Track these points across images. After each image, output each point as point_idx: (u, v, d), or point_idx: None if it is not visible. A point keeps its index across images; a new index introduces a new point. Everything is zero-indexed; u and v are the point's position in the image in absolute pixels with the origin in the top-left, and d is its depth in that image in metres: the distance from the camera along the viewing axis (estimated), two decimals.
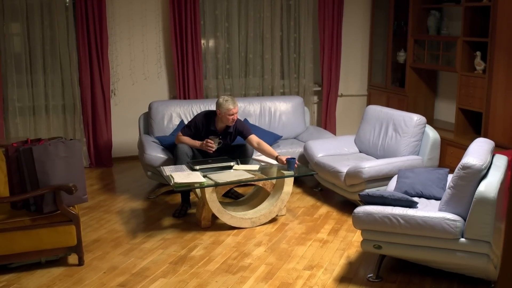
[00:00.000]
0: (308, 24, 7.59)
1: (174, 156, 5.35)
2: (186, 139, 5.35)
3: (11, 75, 6.43)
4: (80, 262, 4.16)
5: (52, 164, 3.97)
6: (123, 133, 6.98)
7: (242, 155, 5.41)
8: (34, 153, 3.91)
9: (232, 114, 5.23)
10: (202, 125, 5.36)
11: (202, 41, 7.19)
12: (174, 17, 6.84)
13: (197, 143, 5.28)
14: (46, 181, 3.94)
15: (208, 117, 5.37)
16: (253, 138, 5.37)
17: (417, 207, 3.98)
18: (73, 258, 4.25)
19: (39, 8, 6.45)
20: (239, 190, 5.82)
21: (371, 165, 5.05)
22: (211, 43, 7.34)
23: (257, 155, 5.80)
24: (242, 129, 5.42)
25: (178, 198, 5.71)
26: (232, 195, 5.69)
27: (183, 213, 5.27)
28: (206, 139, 5.22)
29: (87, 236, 4.73)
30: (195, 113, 6.39)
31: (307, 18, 7.56)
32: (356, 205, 5.14)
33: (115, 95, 6.99)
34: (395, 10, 7.43)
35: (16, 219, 3.91)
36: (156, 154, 5.57)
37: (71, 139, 4.19)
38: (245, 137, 5.41)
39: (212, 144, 5.18)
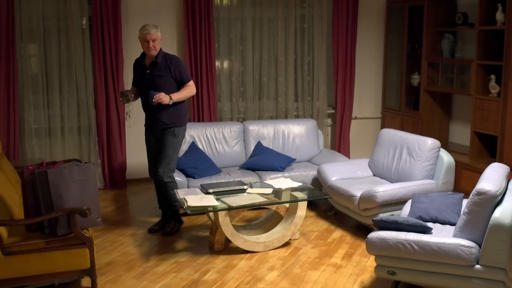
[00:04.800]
0: (322, 47, 7.62)
1: None
2: (132, 90, 5.37)
3: (28, 96, 6.52)
4: (93, 286, 4.15)
5: (67, 187, 4.00)
6: (138, 155, 7.01)
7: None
8: (49, 176, 3.94)
9: (147, 41, 5.06)
10: (135, 65, 5.37)
11: (217, 64, 7.24)
12: (188, 40, 6.91)
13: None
14: (60, 204, 3.96)
15: (142, 54, 5.30)
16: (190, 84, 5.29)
17: (432, 233, 3.95)
18: (86, 281, 4.26)
19: (56, 31, 6.55)
20: (252, 213, 5.81)
21: (385, 189, 5.02)
22: (226, 65, 7.39)
23: (270, 178, 5.82)
24: (179, 73, 5.20)
25: (192, 220, 5.72)
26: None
27: (157, 228, 5.43)
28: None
29: (100, 259, 4.74)
30: (209, 136, 6.43)
31: (321, 41, 7.60)
32: (370, 229, 5.11)
33: (130, 117, 7.04)
34: (409, 33, 7.44)
35: (30, 242, 3.92)
36: None
37: (85, 162, 4.21)
38: (182, 84, 5.26)
39: (121, 98, 5.21)
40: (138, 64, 5.30)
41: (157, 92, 5.02)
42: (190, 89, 5.27)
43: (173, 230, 5.37)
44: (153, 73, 5.15)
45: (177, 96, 5.16)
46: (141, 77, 5.25)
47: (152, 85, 5.12)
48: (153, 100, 4.99)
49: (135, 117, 7.03)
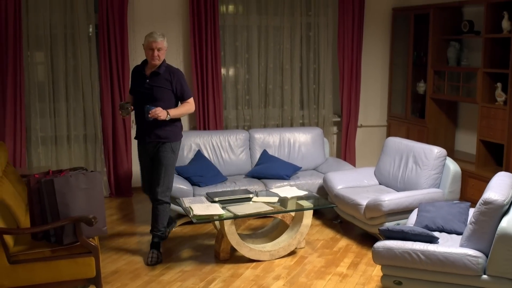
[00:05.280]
0: (327, 55, 7.62)
1: None
2: (128, 98, 5.09)
3: (34, 104, 6.54)
4: None
5: (73, 196, 4.00)
6: None
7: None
8: (55, 185, 3.95)
9: (152, 49, 4.74)
10: (134, 72, 5.03)
11: (222, 72, 7.25)
12: (194, 48, 6.93)
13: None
14: (66, 213, 3.96)
15: (143, 62, 4.98)
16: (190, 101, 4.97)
17: (438, 242, 3.94)
18: None
19: (62, 39, 6.58)
20: (258, 222, 5.80)
21: (391, 198, 5.01)
22: (231, 73, 7.41)
23: (276, 187, 5.81)
24: (180, 87, 4.88)
25: (197, 229, 5.71)
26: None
27: (156, 259, 4.85)
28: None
29: (106, 267, 4.74)
30: (215, 144, 6.43)
31: (326, 49, 7.60)
32: (376, 238, 5.09)
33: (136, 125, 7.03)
34: (415, 41, 7.44)
35: (36, 250, 3.92)
36: (175, 185, 5.58)
37: (91, 171, 4.22)
38: (181, 100, 4.95)
39: (120, 110, 4.86)
40: (138, 72, 4.97)
41: (153, 107, 4.67)
42: (189, 107, 4.94)
43: (159, 259, 4.88)
44: (152, 84, 4.81)
45: (175, 112, 4.83)
46: (138, 86, 4.89)
47: (149, 96, 4.79)
48: (149, 115, 4.65)
49: None
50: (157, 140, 4.88)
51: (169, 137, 4.89)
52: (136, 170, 7.00)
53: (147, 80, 4.82)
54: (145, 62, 4.94)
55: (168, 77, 4.83)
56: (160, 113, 4.68)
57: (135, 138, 5.09)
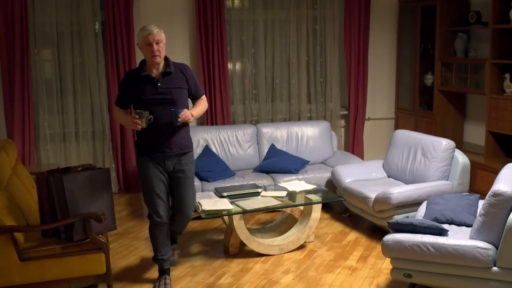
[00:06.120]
0: (334, 48, 7.60)
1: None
2: (118, 113, 4.29)
3: (42, 101, 6.56)
4: None
5: (82, 193, 4.01)
6: None
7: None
8: (64, 182, 3.96)
9: (150, 43, 4.05)
10: (129, 79, 4.19)
11: (229, 67, 7.24)
12: (201, 43, 6.92)
13: (126, 119, 4.19)
14: (76, 209, 3.98)
15: (140, 65, 4.22)
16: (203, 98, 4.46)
17: (448, 235, 3.92)
18: (102, 286, 4.27)
19: (69, 36, 6.59)
20: (267, 216, 5.80)
21: (400, 191, 5.00)
22: (238, 68, 7.40)
23: (284, 181, 5.81)
24: (194, 85, 4.31)
25: (206, 224, 5.73)
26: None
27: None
28: (132, 114, 4.09)
29: (116, 264, 4.76)
30: (223, 139, 6.43)
31: (333, 42, 7.58)
32: (385, 231, 5.09)
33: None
34: (422, 33, 7.40)
35: (46, 247, 3.94)
36: None
37: (100, 168, 4.23)
38: (196, 98, 4.39)
39: (137, 120, 4.01)
40: (137, 78, 4.15)
41: (181, 109, 4.08)
42: (205, 104, 4.43)
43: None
44: (168, 86, 4.13)
45: (197, 113, 4.29)
46: (148, 92, 4.11)
47: (167, 101, 4.11)
48: (179, 119, 4.06)
49: None
50: (180, 151, 4.23)
51: (190, 146, 4.34)
52: None
53: (159, 84, 4.12)
54: (141, 66, 4.20)
55: (181, 75, 4.23)
56: (189, 115, 4.11)
57: (143, 154, 4.24)
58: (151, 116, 4.04)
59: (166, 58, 4.21)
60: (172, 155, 4.19)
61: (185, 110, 4.10)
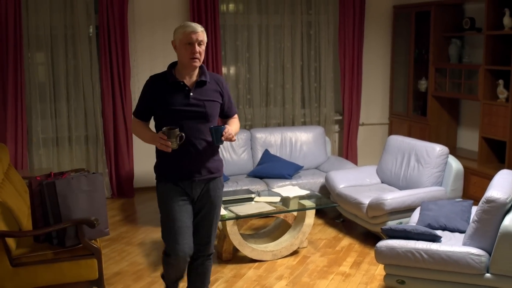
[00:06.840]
0: (328, 53, 7.61)
1: None
2: (138, 127, 3.60)
3: (35, 105, 6.53)
4: None
5: (75, 198, 3.99)
6: (145, 163, 7.00)
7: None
8: (57, 187, 3.94)
9: (192, 43, 3.39)
10: (154, 84, 3.52)
11: (223, 71, 7.24)
12: None
13: (151, 136, 3.45)
14: (68, 215, 3.96)
15: (168, 69, 3.58)
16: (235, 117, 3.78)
17: (441, 241, 3.93)
18: None
19: (63, 39, 6.58)
20: (260, 222, 5.79)
21: (393, 197, 5.00)
22: (232, 72, 7.39)
23: (278, 186, 5.80)
24: (228, 100, 3.64)
25: None
26: None
27: None
28: (159, 134, 3.32)
29: (108, 269, 4.74)
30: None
31: (327, 47, 7.59)
32: (378, 237, 5.09)
33: None
34: (416, 38, 7.42)
35: (38, 253, 3.91)
36: None
37: (93, 173, 4.21)
38: (228, 117, 3.72)
39: (166, 142, 3.28)
40: (167, 84, 3.49)
41: (223, 126, 3.42)
42: (239, 125, 3.74)
43: None
44: (202, 98, 3.47)
45: (235, 132, 3.55)
46: (177, 102, 3.43)
47: (200, 115, 3.45)
48: (222, 138, 3.40)
49: None
50: (209, 176, 3.55)
51: (220, 169, 3.64)
52: (138, 170, 7.01)
53: (191, 93, 3.46)
54: (169, 70, 3.56)
55: (216, 87, 3.56)
56: (233, 133, 3.46)
57: (166, 181, 3.53)
58: (182, 134, 3.32)
59: (200, 66, 3.54)
60: (201, 180, 3.52)
61: (227, 126, 3.43)
